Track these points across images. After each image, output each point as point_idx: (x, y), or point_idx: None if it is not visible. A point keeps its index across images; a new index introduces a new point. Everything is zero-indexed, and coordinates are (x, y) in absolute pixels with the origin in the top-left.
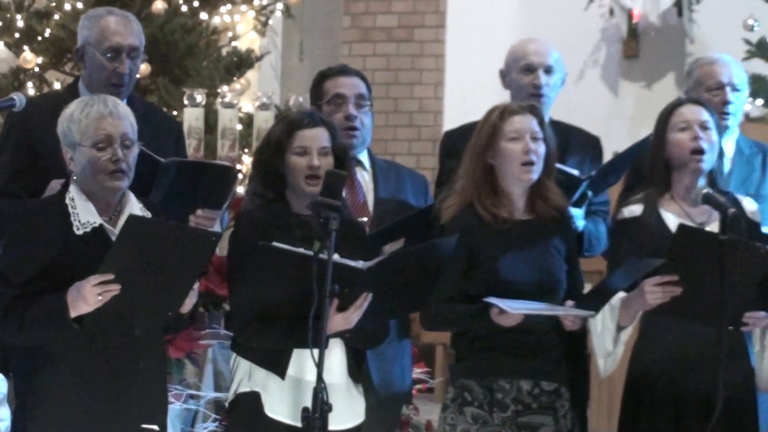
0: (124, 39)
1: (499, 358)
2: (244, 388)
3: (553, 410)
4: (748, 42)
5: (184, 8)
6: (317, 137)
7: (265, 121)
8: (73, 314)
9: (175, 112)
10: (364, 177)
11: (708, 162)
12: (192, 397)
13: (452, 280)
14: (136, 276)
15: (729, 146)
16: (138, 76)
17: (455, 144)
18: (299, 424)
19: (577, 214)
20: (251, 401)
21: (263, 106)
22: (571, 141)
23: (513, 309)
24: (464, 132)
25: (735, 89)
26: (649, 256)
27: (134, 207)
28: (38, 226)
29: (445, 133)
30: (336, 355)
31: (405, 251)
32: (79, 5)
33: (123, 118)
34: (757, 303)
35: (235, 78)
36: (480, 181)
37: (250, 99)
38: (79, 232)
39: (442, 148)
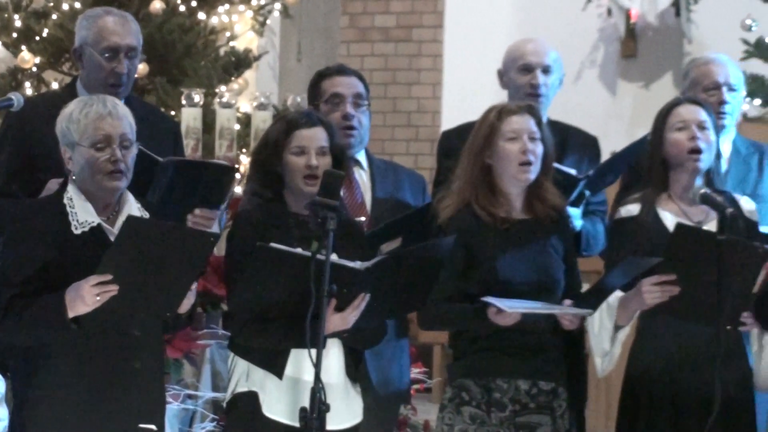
0: (122, 39)
1: (497, 357)
2: (242, 388)
3: (550, 410)
4: (746, 42)
5: (182, 8)
6: (315, 137)
7: (263, 121)
8: (71, 314)
9: (173, 112)
10: (362, 176)
11: (705, 162)
12: (190, 397)
13: (450, 280)
14: (134, 276)
15: (726, 146)
16: (136, 76)
17: (453, 144)
18: (297, 424)
19: (575, 213)
20: (249, 401)
21: (261, 106)
22: (569, 141)
23: (510, 308)
24: (462, 132)
25: (731, 89)
26: (647, 255)
27: (132, 207)
28: (36, 226)
29: (443, 132)
30: (334, 355)
31: (403, 252)
32: (77, 5)
33: (122, 118)
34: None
35: (233, 78)
36: (477, 181)
37: (247, 99)
38: (77, 232)
39: (439, 147)
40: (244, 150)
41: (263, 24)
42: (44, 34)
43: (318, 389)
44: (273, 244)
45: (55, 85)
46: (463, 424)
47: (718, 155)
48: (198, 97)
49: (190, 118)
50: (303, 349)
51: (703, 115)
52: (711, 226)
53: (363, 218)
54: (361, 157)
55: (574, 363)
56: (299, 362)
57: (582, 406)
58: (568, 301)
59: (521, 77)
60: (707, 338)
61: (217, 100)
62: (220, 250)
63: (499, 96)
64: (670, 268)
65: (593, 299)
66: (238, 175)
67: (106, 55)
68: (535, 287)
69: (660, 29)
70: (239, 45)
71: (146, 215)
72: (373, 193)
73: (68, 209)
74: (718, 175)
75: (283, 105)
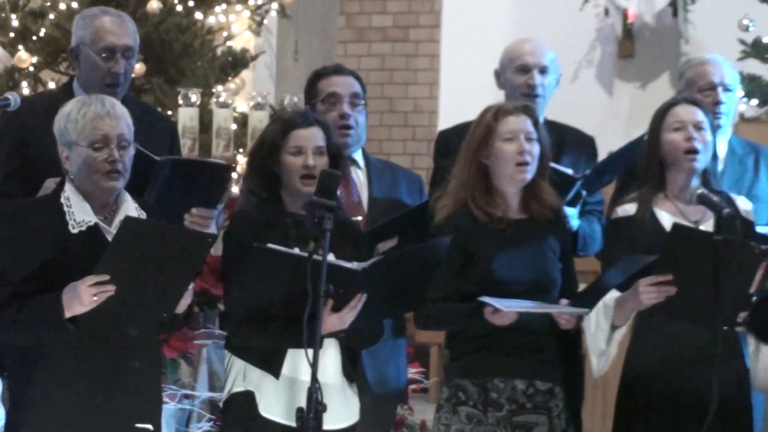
0: (119, 39)
1: (494, 357)
2: (239, 388)
3: (547, 410)
4: (743, 42)
5: (179, 8)
6: (312, 137)
7: (259, 120)
8: (67, 314)
9: (169, 112)
10: (359, 176)
11: (701, 162)
12: (186, 396)
13: (447, 280)
14: (131, 277)
15: (721, 146)
16: (133, 75)
17: (450, 143)
18: (293, 424)
19: (572, 213)
20: (245, 401)
21: (258, 106)
22: (566, 141)
23: (507, 308)
24: (459, 131)
25: (727, 89)
26: (644, 254)
27: (130, 206)
28: (33, 225)
29: (440, 132)
30: (330, 354)
31: (400, 252)
32: (74, 5)
33: (120, 118)
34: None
35: (229, 78)
36: (474, 181)
37: (244, 99)
38: (75, 231)
39: (436, 147)
40: (240, 150)
41: (260, 24)
42: (41, 34)
43: (315, 389)
44: (270, 245)
45: (52, 85)
46: (460, 424)
47: (715, 156)
48: (195, 97)
49: (187, 117)
50: (300, 349)
51: (700, 115)
52: (708, 225)
53: (360, 217)
54: (358, 156)
55: (571, 363)
56: (296, 362)
57: (579, 405)
58: (564, 301)
59: (518, 77)
60: (704, 338)
61: (214, 99)
62: (216, 250)
63: (496, 96)
64: (666, 268)
65: (590, 298)
66: (234, 175)
67: (103, 55)
68: (532, 287)
69: (657, 29)
70: (236, 45)
71: (143, 215)
72: (370, 193)
73: (65, 208)
74: (715, 176)
75: (280, 105)
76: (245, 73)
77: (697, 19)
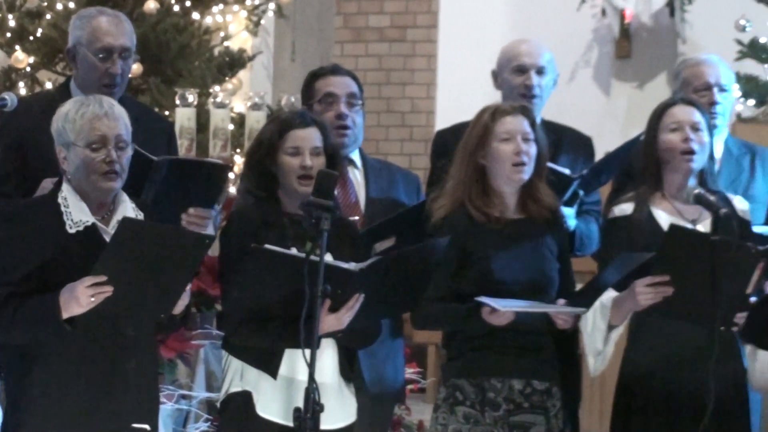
0: (116, 39)
1: (491, 357)
2: (236, 388)
3: (544, 410)
4: (740, 42)
5: (176, 8)
6: (309, 137)
7: (256, 121)
8: (65, 315)
9: (167, 112)
10: (356, 176)
11: (698, 162)
12: (184, 397)
13: (444, 280)
14: (129, 278)
15: (717, 147)
16: (130, 76)
17: (447, 143)
18: (291, 424)
19: (569, 213)
20: (243, 401)
21: (255, 106)
22: (563, 141)
23: (504, 308)
24: (456, 131)
25: (722, 90)
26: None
27: (127, 207)
28: (31, 225)
29: (437, 132)
30: (328, 354)
31: (398, 253)
32: (71, 5)
33: (118, 119)
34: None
35: (227, 78)
36: (471, 181)
37: (242, 99)
38: (72, 231)
39: (433, 147)
40: (238, 150)
41: (257, 24)
42: (38, 34)
43: (312, 389)
44: (267, 246)
45: (48, 85)
46: (457, 424)
47: (712, 156)
48: (192, 97)
49: (184, 118)
50: (297, 349)
51: (697, 116)
52: (705, 224)
53: (357, 217)
54: (355, 156)
55: (569, 363)
56: (293, 362)
57: (576, 405)
58: (562, 301)
59: (515, 78)
60: (701, 338)
61: (211, 100)
62: (214, 250)
63: (493, 96)
64: (663, 269)
65: (587, 298)
66: (232, 175)
67: (100, 55)
68: (529, 287)
69: (654, 30)
70: (233, 45)
71: (141, 215)
72: (367, 193)
73: (63, 208)
74: (712, 176)
75: (277, 105)
76: (242, 74)
77: (694, 20)
